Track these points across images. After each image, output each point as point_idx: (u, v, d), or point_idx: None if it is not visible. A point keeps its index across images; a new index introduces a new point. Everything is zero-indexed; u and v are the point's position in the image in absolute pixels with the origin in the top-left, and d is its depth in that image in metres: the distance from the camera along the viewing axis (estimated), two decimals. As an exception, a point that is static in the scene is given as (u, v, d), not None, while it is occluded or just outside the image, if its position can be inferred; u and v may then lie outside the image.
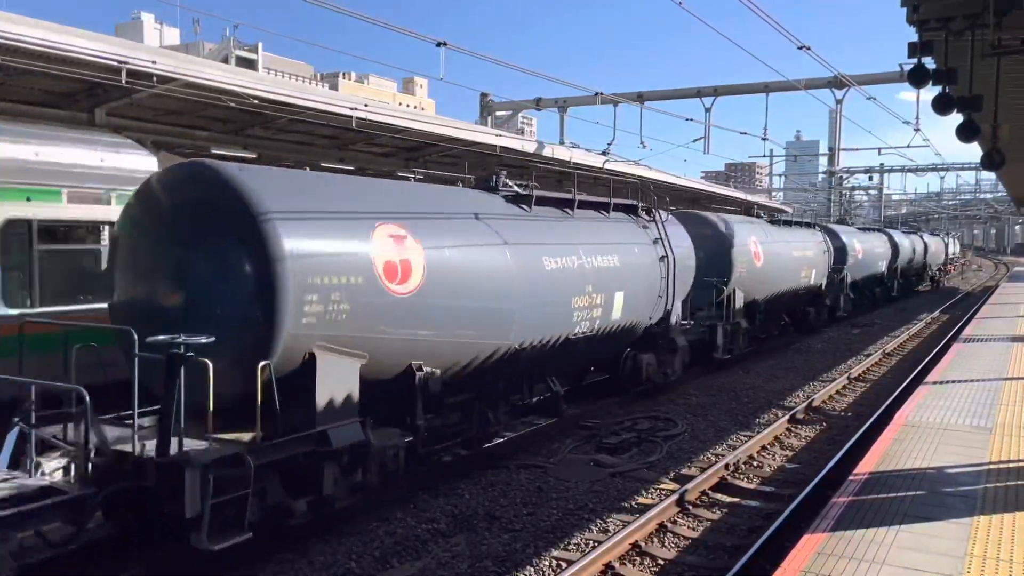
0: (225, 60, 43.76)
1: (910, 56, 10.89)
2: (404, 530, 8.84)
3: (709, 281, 18.12)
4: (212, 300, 7.74)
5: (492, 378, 10.84)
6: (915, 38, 10.81)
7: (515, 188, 11.80)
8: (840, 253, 28.70)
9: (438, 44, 15.51)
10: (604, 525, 9.14)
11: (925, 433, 10.39)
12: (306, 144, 18.37)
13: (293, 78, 73.75)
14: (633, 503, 9.90)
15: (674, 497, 9.69)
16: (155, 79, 12.05)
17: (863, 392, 17.44)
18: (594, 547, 8.26)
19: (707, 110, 28.45)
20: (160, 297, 8.06)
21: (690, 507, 9.76)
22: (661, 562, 8.31)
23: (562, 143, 29.49)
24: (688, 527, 9.28)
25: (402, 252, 8.86)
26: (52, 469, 7.30)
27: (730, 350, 18.87)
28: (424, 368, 9.25)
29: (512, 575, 7.85)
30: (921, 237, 47.92)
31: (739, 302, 19.29)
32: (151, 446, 7.08)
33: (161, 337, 6.84)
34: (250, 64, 64.54)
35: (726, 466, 11.13)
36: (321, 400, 7.94)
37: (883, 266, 35.90)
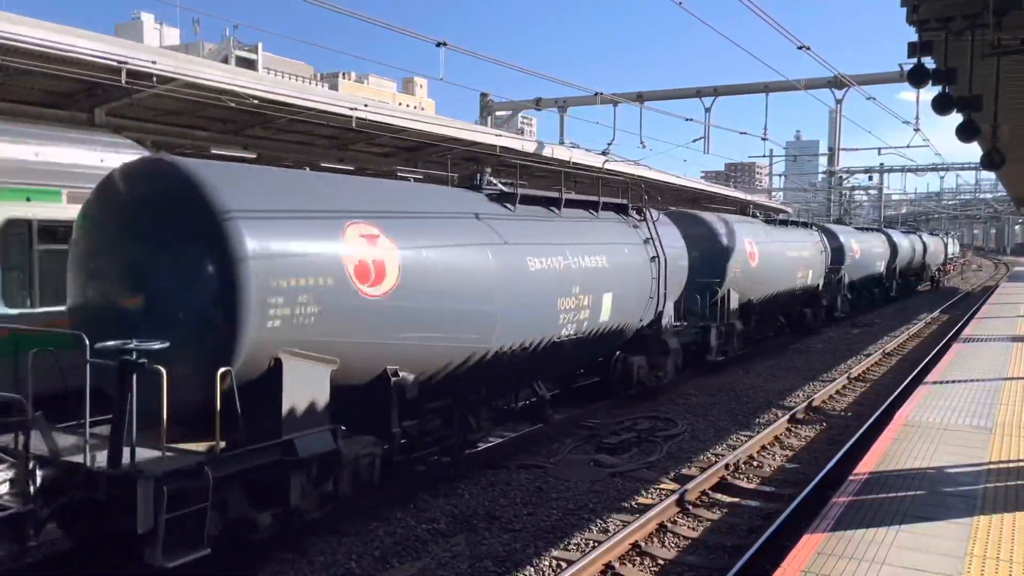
0: (225, 60, 43.77)
1: (910, 56, 10.90)
2: (404, 530, 8.84)
3: (703, 282, 17.89)
4: (172, 303, 7.40)
5: (473, 383, 10.49)
6: (915, 38, 10.81)
7: (500, 186, 11.47)
8: (837, 253, 28.48)
9: (438, 44, 15.52)
10: (604, 525, 9.15)
11: (925, 433, 10.39)
12: (306, 144, 18.38)
13: (293, 78, 73.80)
14: (633, 503, 9.90)
15: (674, 497, 9.69)
16: (155, 79, 12.05)
17: (863, 392, 17.45)
18: (594, 547, 8.26)
19: (707, 110, 28.45)
20: (120, 299, 7.70)
21: (690, 507, 9.76)
22: (661, 562, 8.31)
23: (562, 143, 29.49)
24: (688, 527, 9.28)
25: (375, 252, 8.50)
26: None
27: (724, 352, 18.62)
28: (400, 373, 8.92)
29: (512, 575, 7.85)
30: (920, 237, 47.69)
31: (734, 303, 19.06)
32: (102, 457, 6.72)
33: (111, 343, 6.52)
34: (250, 64, 64.56)
35: (726, 466, 11.13)
36: (288, 408, 7.61)
37: (881, 266, 35.68)
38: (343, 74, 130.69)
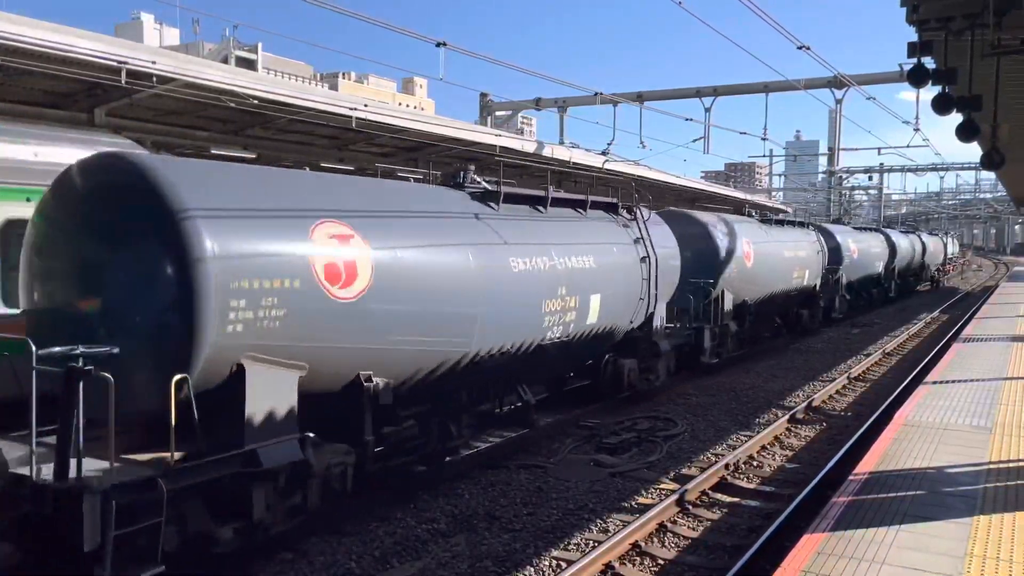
0: (225, 60, 43.77)
1: (910, 56, 10.90)
2: (404, 530, 8.84)
3: (696, 282, 17.50)
4: (129, 306, 7.03)
5: (453, 388, 10.16)
6: (915, 38, 10.82)
7: (484, 185, 11.10)
8: (835, 253, 28.16)
9: (438, 44, 15.51)
10: (604, 525, 9.15)
11: (925, 433, 10.39)
12: (306, 144, 18.38)
13: (293, 78, 73.81)
14: (633, 503, 9.90)
15: (674, 497, 9.69)
16: (155, 79, 12.05)
17: (863, 392, 17.45)
18: (594, 547, 8.26)
19: (707, 110, 28.43)
20: (76, 302, 7.34)
21: (690, 507, 9.77)
22: (661, 562, 8.31)
23: (562, 143, 29.49)
24: (688, 527, 9.28)
25: (347, 253, 8.11)
26: None
27: (718, 354, 18.29)
28: (374, 378, 8.55)
29: (512, 575, 7.86)
30: (919, 237, 47.56)
31: (728, 304, 18.69)
32: (49, 469, 6.35)
33: (57, 349, 6.20)
34: (250, 64, 64.57)
35: (726, 466, 11.13)
36: (251, 416, 7.25)
37: (880, 266, 35.43)
38: (343, 74, 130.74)
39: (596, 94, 27.74)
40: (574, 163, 23.75)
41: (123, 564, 6.22)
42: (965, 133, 10.82)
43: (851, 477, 8.53)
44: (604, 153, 26.18)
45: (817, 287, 25.95)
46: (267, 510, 7.46)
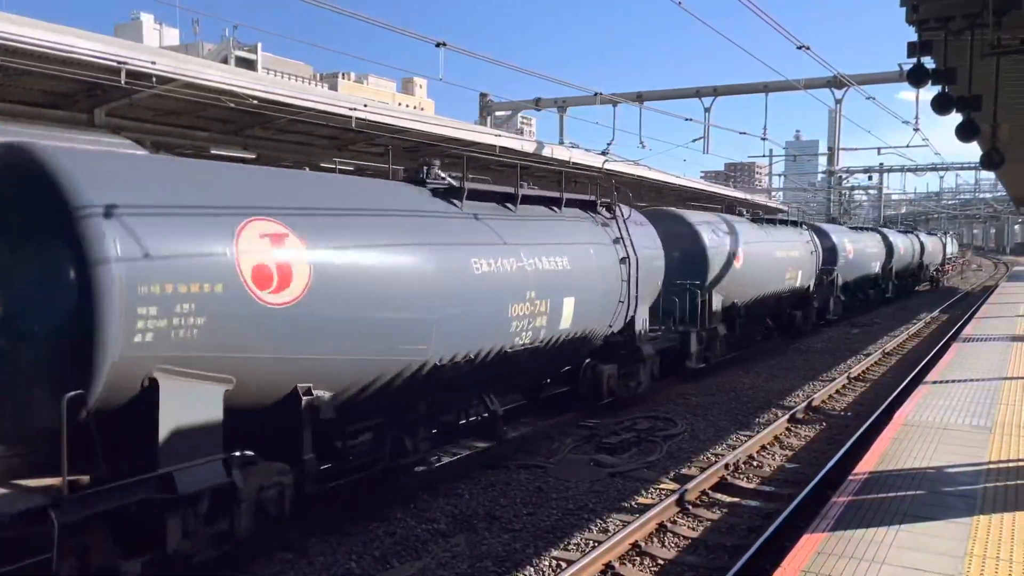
0: (224, 60, 43.77)
1: (909, 56, 10.91)
2: (404, 530, 8.85)
3: (683, 284, 16.96)
4: (28, 313, 6.40)
5: (408, 400, 9.43)
6: (914, 38, 10.83)
7: (449, 180, 10.50)
8: (830, 253, 27.66)
9: (437, 44, 15.51)
10: (604, 525, 9.15)
11: (925, 433, 10.39)
12: (305, 144, 18.39)
13: (292, 78, 73.82)
14: (633, 503, 9.91)
15: (674, 497, 9.69)
16: (154, 79, 12.05)
17: (863, 392, 17.45)
18: (594, 547, 8.26)
19: (706, 110, 28.43)
20: None
21: (690, 507, 9.77)
22: (661, 562, 8.31)
23: (561, 143, 29.50)
24: (688, 527, 9.28)
25: (280, 254, 7.43)
26: None
27: (706, 358, 17.62)
28: (314, 391, 7.84)
29: (512, 575, 7.86)
30: (917, 236, 47.34)
31: (716, 306, 18.03)
32: None
33: None
34: (249, 64, 64.51)
35: (726, 466, 11.13)
36: (166, 435, 6.59)
37: (877, 267, 35.05)
38: (343, 74, 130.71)
39: (596, 94, 27.74)
40: (574, 163, 23.75)
41: None
42: (965, 133, 10.82)
43: (851, 477, 8.53)
44: (604, 153, 26.18)
45: (811, 288, 25.32)
46: (186, 538, 6.79)
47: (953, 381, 14.02)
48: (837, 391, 17.15)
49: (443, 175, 10.54)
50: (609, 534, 8.75)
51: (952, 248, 73.31)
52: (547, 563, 8.09)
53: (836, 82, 27.27)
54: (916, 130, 30.66)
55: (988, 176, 74.52)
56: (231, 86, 13.02)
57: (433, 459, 10.87)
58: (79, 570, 6.15)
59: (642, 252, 13.88)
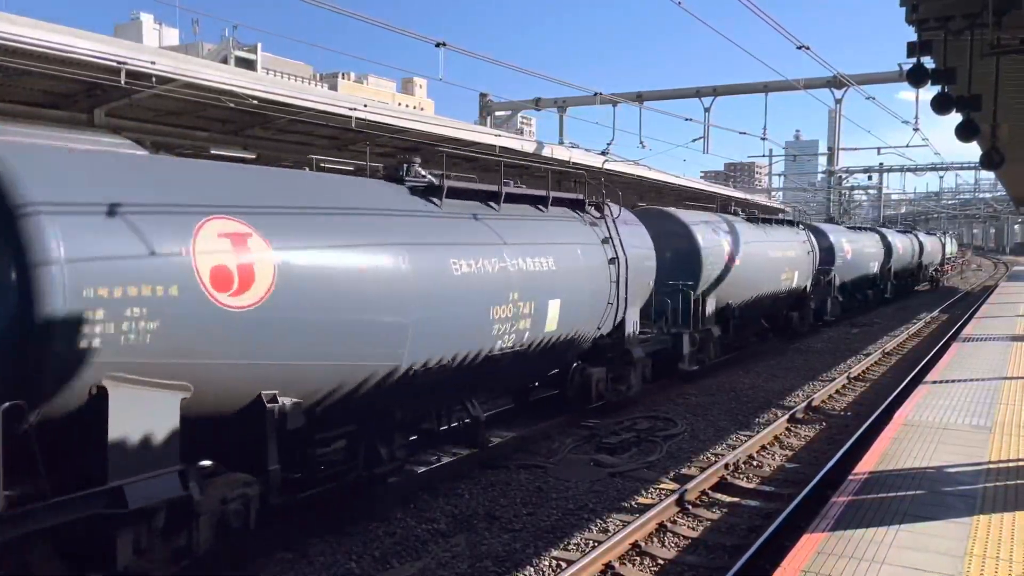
0: (224, 60, 43.77)
1: (909, 56, 10.90)
2: (404, 530, 8.85)
3: (675, 285, 16.59)
4: None
5: (383, 406, 9.02)
6: (914, 38, 10.82)
7: (429, 178, 10.12)
8: (827, 254, 27.43)
9: (437, 44, 15.51)
10: (604, 525, 9.15)
11: (925, 432, 10.40)
12: (305, 144, 18.38)
13: (292, 78, 73.83)
14: (633, 503, 9.91)
15: (674, 497, 9.70)
16: (154, 80, 12.04)
17: (863, 391, 17.45)
18: (594, 547, 8.27)
19: (706, 110, 28.41)
20: None
21: (690, 507, 9.77)
22: (661, 562, 8.32)
23: (561, 143, 29.50)
24: (688, 527, 9.29)
25: (241, 255, 7.06)
26: None
27: (699, 360, 17.35)
28: (279, 399, 7.46)
29: (512, 575, 7.86)
30: (916, 236, 47.20)
31: (710, 307, 17.78)
32: None
33: None
34: (249, 64, 64.50)
35: (726, 466, 11.14)
36: (116, 446, 6.23)
37: (875, 267, 34.83)
38: (342, 74, 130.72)
39: (596, 94, 27.73)
40: (574, 163, 23.75)
41: None
42: (965, 133, 10.82)
43: (851, 477, 8.54)
44: (604, 153, 26.18)
45: (807, 288, 25.07)
46: (140, 554, 6.43)
47: (953, 381, 14.03)
48: (837, 391, 17.15)
49: (424, 173, 10.21)
50: (609, 534, 8.76)
51: (951, 248, 73.30)
52: (547, 563, 8.10)
53: (836, 82, 27.26)
54: (916, 130, 30.65)
55: (988, 176, 74.48)
56: (231, 86, 13.02)
57: (417, 468, 10.60)
58: None
59: (632, 252, 13.60)
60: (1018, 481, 8.42)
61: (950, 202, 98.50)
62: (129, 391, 6.32)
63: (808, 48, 17.94)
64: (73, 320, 5.96)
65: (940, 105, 10.64)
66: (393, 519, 9.13)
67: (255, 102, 13.38)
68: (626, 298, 13.34)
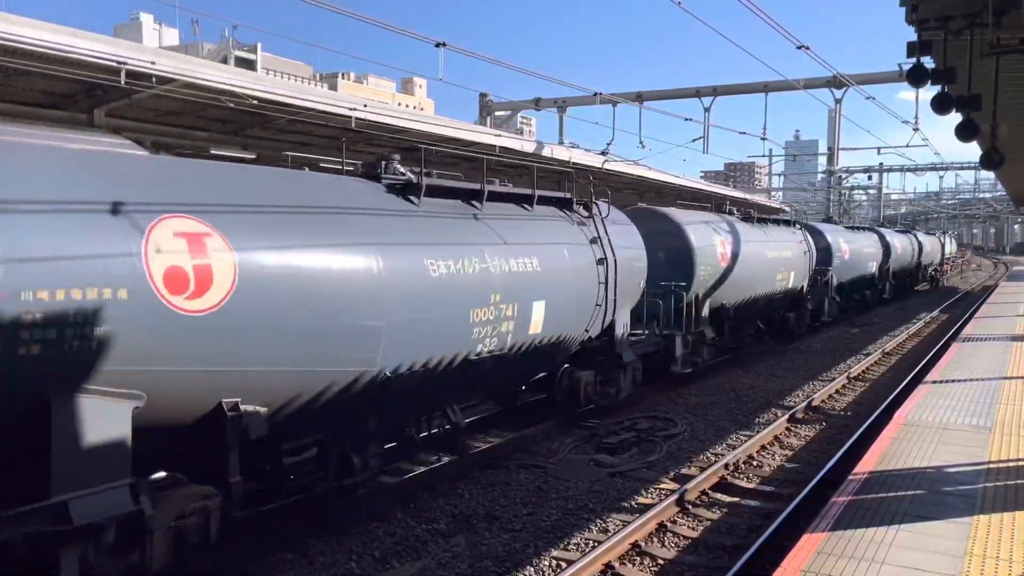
0: (224, 60, 43.78)
1: (909, 56, 10.91)
2: (404, 530, 8.85)
3: (668, 286, 16.29)
4: None
5: (355, 413, 8.65)
6: (914, 37, 10.83)
7: (408, 175, 9.78)
8: (824, 254, 27.17)
9: (437, 45, 15.51)
10: (604, 525, 9.15)
11: (924, 432, 10.40)
12: (305, 144, 18.38)
13: (292, 78, 73.81)
14: (633, 503, 9.91)
15: (674, 497, 9.70)
16: (154, 80, 12.04)
17: (863, 391, 17.46)
18: (594, 547, 8.27)
19: (706, 110, 28.40)
20: None
21: (690, 507, 9.77)
22: (661, 562, 8.32)
23: (561, 143, 29.50)
24: (688, 527, 9.29)
25: (199, 255, 6.69)
26: None
27: (693, 363, 17.01)
28: (241, 407, 7.08)
29: (512, 575, 7.86)
30: (915, 236, 47.07)
31: (704, 309, 17.45)
32: None
33: None
34: (249, 64, 64.54)
35: (726, 466, 11.14)
36: (60, 460, 5.89)
37: (874, 267, 34.59)
38: (342, 74, 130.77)
39: (595, 94, 27.73)
40: (574, 163, 23.75)
41: None
42: (964, 133, 10.83)
43: (851, 477, 8.54)
44: (604, 153, 26.18)
45: (804, 289, 24.75)
46: (87, 573, 6.11)
47: (953, 381, 14.03)
48: (837, 391, 17.15)
49: (402, 170, 9.86)
50: (609, 534, 8.76)
51: (951, 248, 73.24)
52: (547, 563, 8.10)
53: (836, 82, 27.26)
54: (916, 130, 30.64)
55: (988, 176, 74.46)
56: (231, 86, 13.02)
57: (387, 479, 10.23)
58: None
59: (622, 253, 13.28)
60: (1018, 481, 8.42)
61: (950, 202, 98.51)
62: (74, 401, 5.99)
63: (808, 48, 17.95)
64: (11, 326, 5.60)
65: (940, 105, 10.65)
66: (393, 519, 9.13)
67: (255, 102, 13.38)
68: (615, 299, 13.05)
